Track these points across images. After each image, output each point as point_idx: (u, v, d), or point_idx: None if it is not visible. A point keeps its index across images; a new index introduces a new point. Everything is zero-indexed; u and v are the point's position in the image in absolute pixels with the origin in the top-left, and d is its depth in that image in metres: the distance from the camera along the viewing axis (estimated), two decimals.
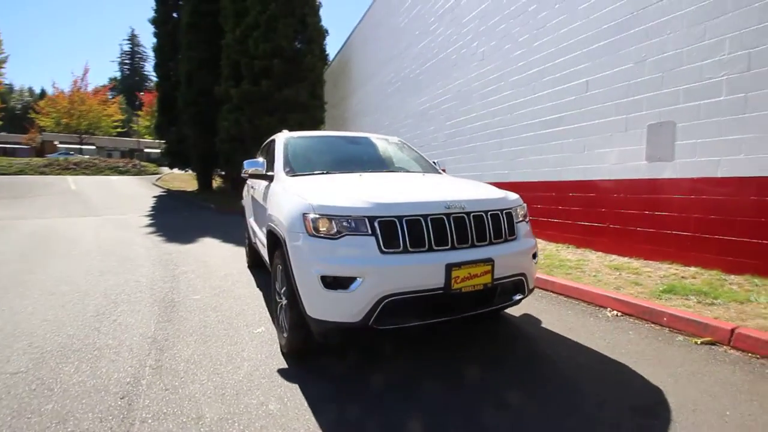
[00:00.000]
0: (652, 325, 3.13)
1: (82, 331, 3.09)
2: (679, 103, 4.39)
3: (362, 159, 3.84)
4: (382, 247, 2.20)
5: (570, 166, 5.82)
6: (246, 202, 5.08)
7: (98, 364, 2.55)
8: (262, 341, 2.92)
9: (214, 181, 20.74)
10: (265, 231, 3.08)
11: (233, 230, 8.53)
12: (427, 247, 2.27)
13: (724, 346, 2.71)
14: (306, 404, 2.10)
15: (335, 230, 2.23)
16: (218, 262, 5.61)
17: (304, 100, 15.06)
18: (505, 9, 7.08)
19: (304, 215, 2.31)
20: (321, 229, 2.25)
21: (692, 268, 4.19)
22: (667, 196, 4.55)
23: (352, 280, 2.16)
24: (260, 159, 3.55)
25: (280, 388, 2.27)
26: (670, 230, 4.51)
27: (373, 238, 2.21)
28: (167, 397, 2.18)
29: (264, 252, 3.45)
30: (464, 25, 8.36)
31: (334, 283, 2.17)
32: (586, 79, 5.53)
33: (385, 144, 4.26)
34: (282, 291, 2.66)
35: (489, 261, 2.33)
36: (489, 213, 2.49)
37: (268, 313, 3.50)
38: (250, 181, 4.88)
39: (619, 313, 3.37)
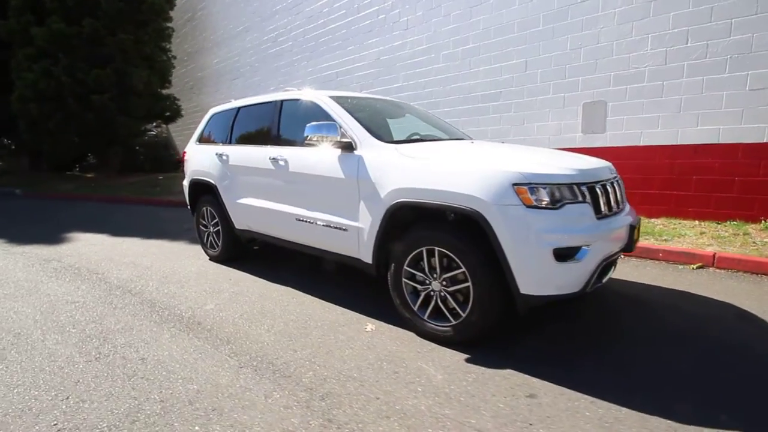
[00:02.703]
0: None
1: None
2: (610, 86, 5.52)
3: (422, 126, 3.54)
4: (595, 214, 2.21)
5: (509, 137, 6.61)
6: (222, 180, 3.97)
7: None
8: (401, 339, 2.52)
9: None
10: (383, 210, 2.56)
11: (94, 218, 6.55)
12: (614, 210, 2.39)
13: (710, 267, 3.78)
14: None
15: (556, 199, 2.11)
16: (156, 263, 4.34)
17: (148, 51, 12.06)
18: None
19: (515, 186, 2.09)
20: (542, 199, 2.09)
21: None
22: None
23: (578, 249, 2.11)
24: (327, 123, 2.85)
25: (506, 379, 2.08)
26: None
27: (587, 205, 2.19)
28: None
29: (339, 239, 2.89)
30: None
31: (565, 254, 2.08)
32: (525, 59, 6.28)
33: (419, 109, 3.99)
34: (445, 276, 2.34)
35: (636, 221, 2.62)
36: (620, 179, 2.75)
37: (354, 312, 2.99)
38: (234, 153, 3.83)
39: None
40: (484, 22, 6.69)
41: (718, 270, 3.72)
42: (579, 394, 1.93)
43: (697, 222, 4.93)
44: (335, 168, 2.87)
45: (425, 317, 2.50)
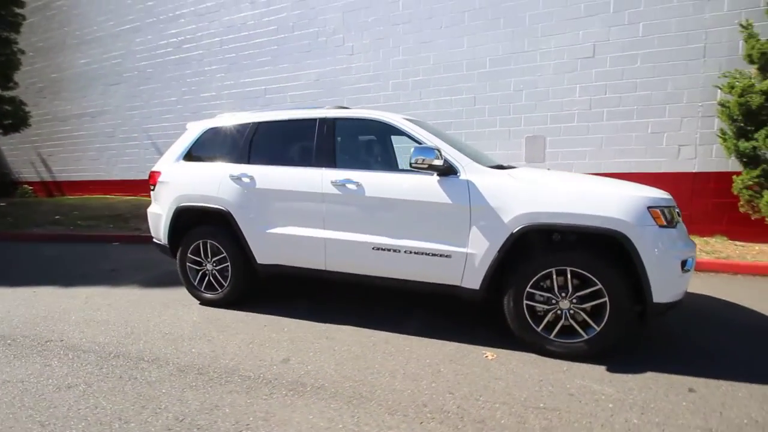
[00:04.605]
0: None
1: None
2: (548, 124, 6.58)
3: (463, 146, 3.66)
4: None
5: None
6: (242, 206, 3.33)
7: None
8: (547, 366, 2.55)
9: None
10: (506, 236, 2.57)
11: (36, 266, 4.84)
12: None
13: None
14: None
15: (671, 219, 2.49)
16: (135, 317, 3.41)
17: None
18: (382, 11, 7.53)
19: (650, 209, 2.41)
20: (667, 219, 2.44)
21: None
22: None
23: (688, 260, 2.52)
24: (427, 147, 2.73)
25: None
26: None
27: (682, 224, 2.64)
28: None
29: (417, 264, 2.82)
30: (320, 11, 8.06)
31: (684, 265, 2.46)
32: (474, 95, 7.00)
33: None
34: (576, 295, 2.49)
35: None
36: None
37: (455, 342, 2.86)
38: (264, 175, 3.28)
39: None
40: (434, 58, 7.23)
41: None
42: (728, 382, 2.27)
43: None
44: (437, 193, 2.76)
45: (551, 336, 2.58)
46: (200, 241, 3.57)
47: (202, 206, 3.50)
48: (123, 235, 7.00)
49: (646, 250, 2.38)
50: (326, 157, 3.17)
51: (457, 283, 2.80)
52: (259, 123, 3.51)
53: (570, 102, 6.42)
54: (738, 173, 5.14)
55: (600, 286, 2.45)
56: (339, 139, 3.21)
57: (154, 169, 3.88)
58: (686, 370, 2.41)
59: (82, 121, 11.48)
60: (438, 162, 2.72)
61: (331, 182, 3.05)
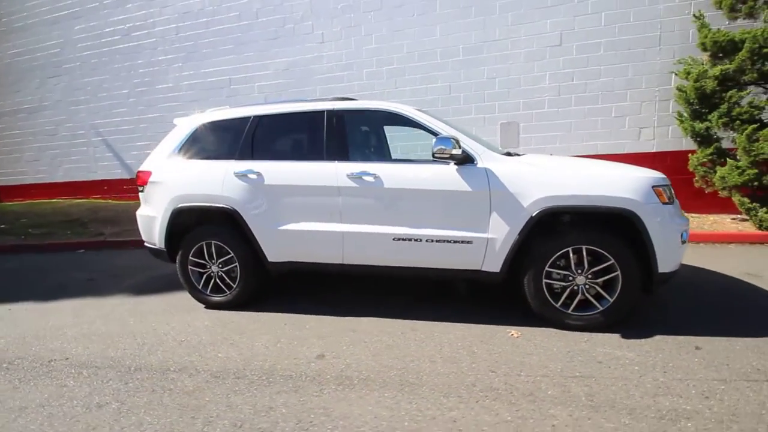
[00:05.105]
0: None
1: None
2: (520, 110, 6.86)
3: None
4: None
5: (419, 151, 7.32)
6: (250, 204, 3.22)
7: None
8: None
9: None
10: (525, 219, 2.72)
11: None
12: None
13: None
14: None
15: (670, 196, 2.75)
16: (143, 326, 3.26)
17: None
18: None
19: (654, 188, 2.64)
20: (667, 197, 2.69)
21: None
22: None
23: (684, 233, 2.80)
24: (445, 137, 2.80)
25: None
26: None
27: (675, 201, 2.91)
28: None
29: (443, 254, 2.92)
30: None
31: (681, 237, 2.74)
32: (449, 83, 7.13)
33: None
34: (590, 271, 2.70)
35: None
36: None
37: (476, 324, 2.99)
38: (273, 170, 3.19)
39: None
40: (407, 46, 7.25)
41: None
42: (724, 338, 2.57)
43: None
44: (457, 181, 2.84)
45: (569, 311, 2.78)
46: (203, 243, 3.41)
47: (204, 206, 3.34)
48: (88, 242, 6.47)
49: (652, 225, 2.61)
50: (339, 150, 3.13)
51: (477, 267, 2.91)
52: (261, 117, 3.38)
53: (540, 89, 6.73)
54: (692, 152, 5.69)
55: (612, 261, 2.66)
56: (351, 131, 3.18)
57: (142, 168, 3.63)
58: (687, 331, 2.70)
59: (17, 118, 10.34)
60: (456, 151, 2.80)
61: (347, 175, 3.03)
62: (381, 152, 3.40)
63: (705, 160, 5.40)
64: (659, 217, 2.63)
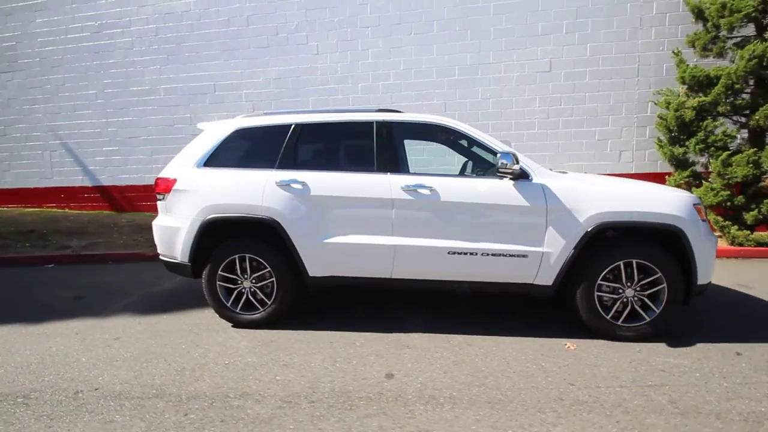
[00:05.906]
0: None
1: None
2: (512, 130, 7.18)
3: None
4: None
5: (432, 167, 7.42)
6: (293, 215, 3.06)
7: None
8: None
9: None
10: (581, 234, 2.82)
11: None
12: None
13: None
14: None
15: (706, 215, 2.99)
16: (168, 352, 2.98)
17: None
18: (348, 12, 7.43)
19: (695, 206, 2.86)
20: (703, 215, 2.93)
21: None
22: None
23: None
24: (507, 152, 2.87)
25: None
26: None
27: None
28: None
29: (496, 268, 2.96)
30: (280, 6, 7.65)
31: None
32: (444, 101, 7.31)
33: None
34: (639, 283, 2.84)
35: None
36: None
37: (528, 337, 3.02)
38: (320, 181, 3.06)
39: None
40: (404, 63, 7.38)
41: None
42: (757, 344, 2.79)
43: None
44: (514, 196, 2.90)
45: (619, 322, 2.90)
46: (236, 256, 3.18)
47: (240, 216, 3.12)
48: (55, 255, 5.78)
49: (695, 240, 2.81)
50: (391, 162, 3.09)
51: (530, 281, 2.97)
52: (303, 125, 3.25)
53: (531, 111, 7.11)
54: (668, 174, 6.24)
55: (660, 273, 2.83)
56: (403, 143, 3.16)
57: (163, 175, 3.34)
58: (721, 338, 2.91)
59: None
60: (516, 167, 2.87)
61: (402, 188, 2.99)
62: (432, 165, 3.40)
63: (682, 182, 5.94)
64: (700, 233, 2.84)
